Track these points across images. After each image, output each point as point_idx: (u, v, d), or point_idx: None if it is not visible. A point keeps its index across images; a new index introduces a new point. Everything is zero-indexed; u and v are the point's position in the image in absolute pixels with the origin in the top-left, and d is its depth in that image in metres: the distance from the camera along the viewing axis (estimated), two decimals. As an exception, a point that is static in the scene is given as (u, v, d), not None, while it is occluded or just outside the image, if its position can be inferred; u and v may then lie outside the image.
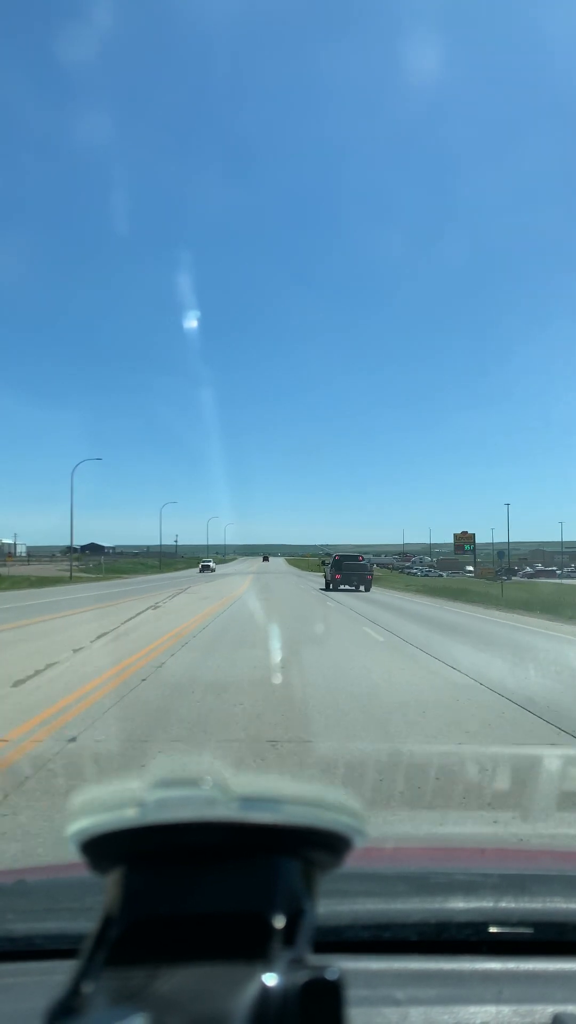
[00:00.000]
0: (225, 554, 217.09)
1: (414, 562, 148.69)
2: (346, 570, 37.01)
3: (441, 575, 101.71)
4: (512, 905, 1.28)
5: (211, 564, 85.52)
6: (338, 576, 36.62)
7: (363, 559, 40.14)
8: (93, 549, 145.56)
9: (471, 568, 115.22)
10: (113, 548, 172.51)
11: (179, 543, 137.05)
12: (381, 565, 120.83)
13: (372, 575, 39.73)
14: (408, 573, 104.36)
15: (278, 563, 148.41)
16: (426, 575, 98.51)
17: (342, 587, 36.39)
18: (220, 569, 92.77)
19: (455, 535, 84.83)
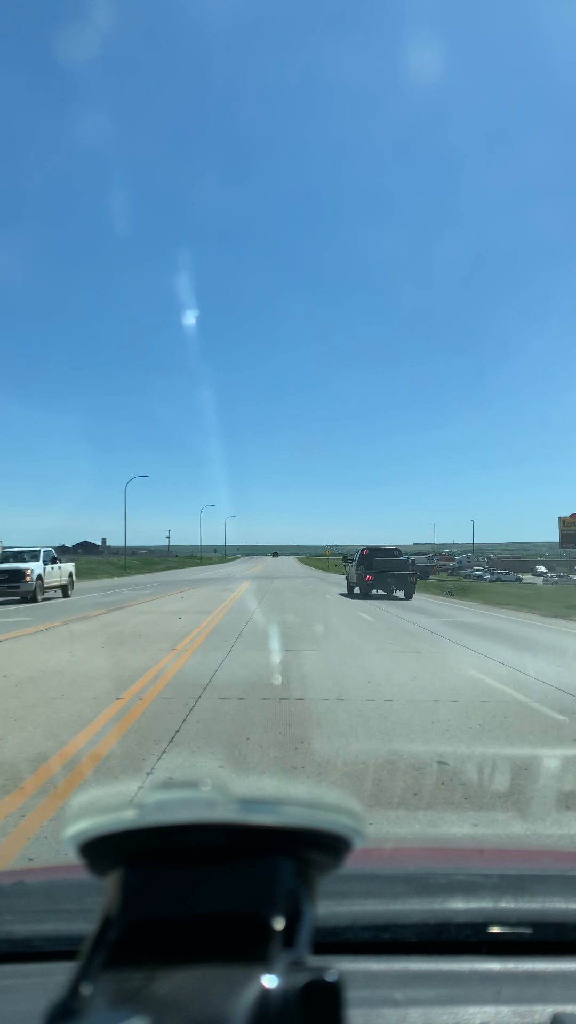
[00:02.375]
0: (225, 553, 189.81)
1: (460, 561, 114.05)
2: (380, 568, 26.98)
3: (518, 578, 76.04)
4: (511, 905, 1.27)
5: (23, 567, 23.37)
6: (369, 577, 26.83)
7: (399, 553, 28.85)
8: (86, 548, 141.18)
9: (543, 568, 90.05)
10: (109, 547, 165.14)
11: (183, 544, 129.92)
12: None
13: (416, 576, 29.07)
14: (466, 575, 77.01)
15: (289, 563, 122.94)
16: (497, 579, 72.92)
17: (375, 592, 27.04)
18: (207, 572, 54.07)
19: (562, 519, 63.56)
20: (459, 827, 4.30)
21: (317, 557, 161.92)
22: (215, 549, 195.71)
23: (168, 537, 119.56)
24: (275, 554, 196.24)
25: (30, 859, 3.70)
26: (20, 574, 23.52)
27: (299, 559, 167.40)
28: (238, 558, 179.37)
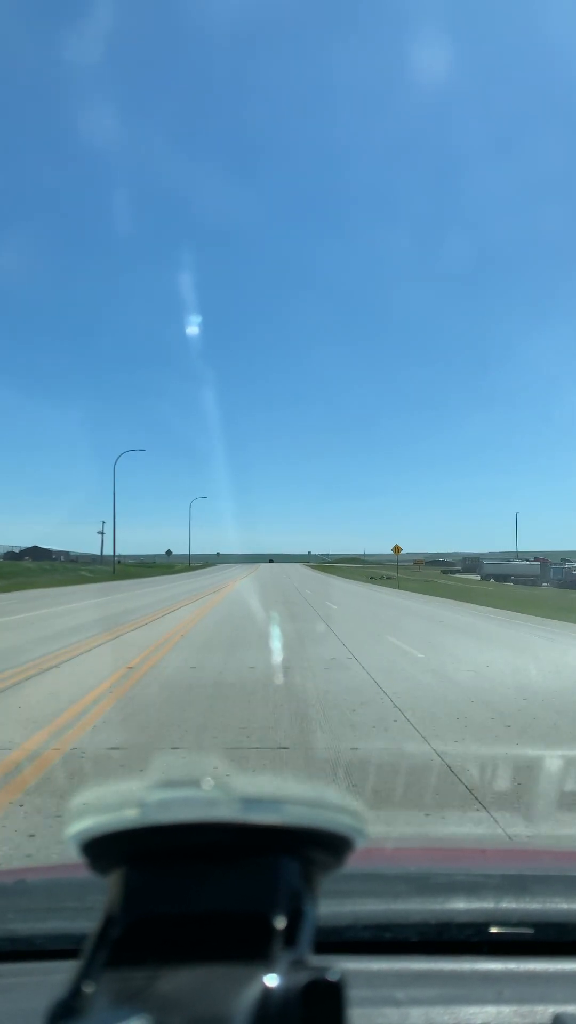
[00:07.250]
0: (189, 560, 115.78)
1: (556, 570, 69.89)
2: None
3: None
4: (513, 905, 1.27)
5: None
6: None
7: None
8: (35, 553, 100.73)
9: None
10: (66, 553, 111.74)
11: (190, 552, 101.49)
12: (500, 576, 68.78)
13: None
14: None
15: (296, 571, 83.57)
16: None
17: None
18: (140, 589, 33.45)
19: None
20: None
21: (334, 564, 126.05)
22: (168, 553, 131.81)
23: (101, 533, 74.79)
24: (271, 560, 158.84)
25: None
26: None
27: (313, 566, 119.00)
28: (212, 565, 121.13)
